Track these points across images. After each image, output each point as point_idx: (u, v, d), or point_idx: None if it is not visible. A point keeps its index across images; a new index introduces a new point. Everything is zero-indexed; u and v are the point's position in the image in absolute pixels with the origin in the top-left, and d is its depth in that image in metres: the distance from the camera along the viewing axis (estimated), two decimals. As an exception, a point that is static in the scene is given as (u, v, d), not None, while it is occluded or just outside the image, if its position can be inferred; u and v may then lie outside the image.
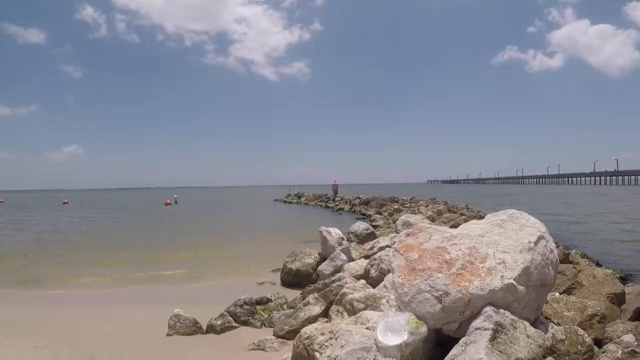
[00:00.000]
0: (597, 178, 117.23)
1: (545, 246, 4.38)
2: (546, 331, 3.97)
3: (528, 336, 3.67)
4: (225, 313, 7.19)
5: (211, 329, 6.95)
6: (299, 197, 58.79)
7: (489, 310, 3.72)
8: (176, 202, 60.42)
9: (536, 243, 4.26)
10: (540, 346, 3.66)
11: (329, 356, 4.03)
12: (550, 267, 4.37)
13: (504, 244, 4.23)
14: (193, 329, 6.88)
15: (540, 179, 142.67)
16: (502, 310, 3.76)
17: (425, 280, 4.04)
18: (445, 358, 3.54)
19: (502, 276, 3.90)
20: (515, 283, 3.88)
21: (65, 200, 71.98)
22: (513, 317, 3.77)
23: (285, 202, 59.04)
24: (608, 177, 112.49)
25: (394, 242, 4.95)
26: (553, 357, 3.69)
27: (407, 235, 4.71)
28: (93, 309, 8.87)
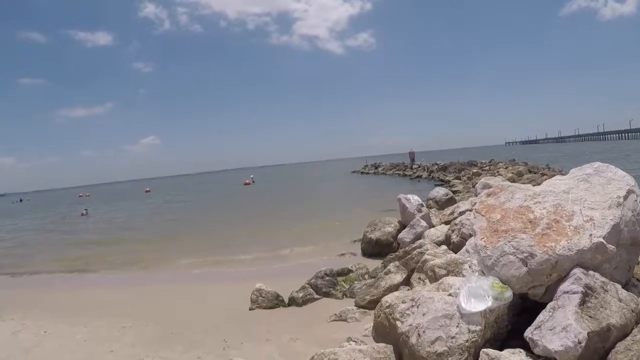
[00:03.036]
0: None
1: (636, 201, 4.06)
2: (639, 294, 3.72)
3: (620, 300, 3.44)
4: (307, 285, 7.28)
5: (293, 302, 7.07)
6: (376, 168, 58.10)
7: (577, 272, 3.52)
8: (253, 182, 61.59)
9: (625, 198, 3.97)
10: (633, 311, 3.42)
11: (410, 325, 3.90)
12: (642, 223, 4.07)
13: (591, 199, 3.98)
14: (275, 302, 7.02)
15: (623, 134, 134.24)
16: (591, 272, 3.55)
17: (509, 241, 3.88)
18: (532, 325, 3.37)
19: (591, 235, 3.67)
20: (604, 242, 3.64)
21: (148, 189, 74.81)
22: (603, 279, 3.54)
23: (362, 173, 58.48)
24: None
25: (475, 204, 4.78)
26: (646, 322, 3.44)
27: (488, 195, 4.54)
28: (177, 288, 9.33)
